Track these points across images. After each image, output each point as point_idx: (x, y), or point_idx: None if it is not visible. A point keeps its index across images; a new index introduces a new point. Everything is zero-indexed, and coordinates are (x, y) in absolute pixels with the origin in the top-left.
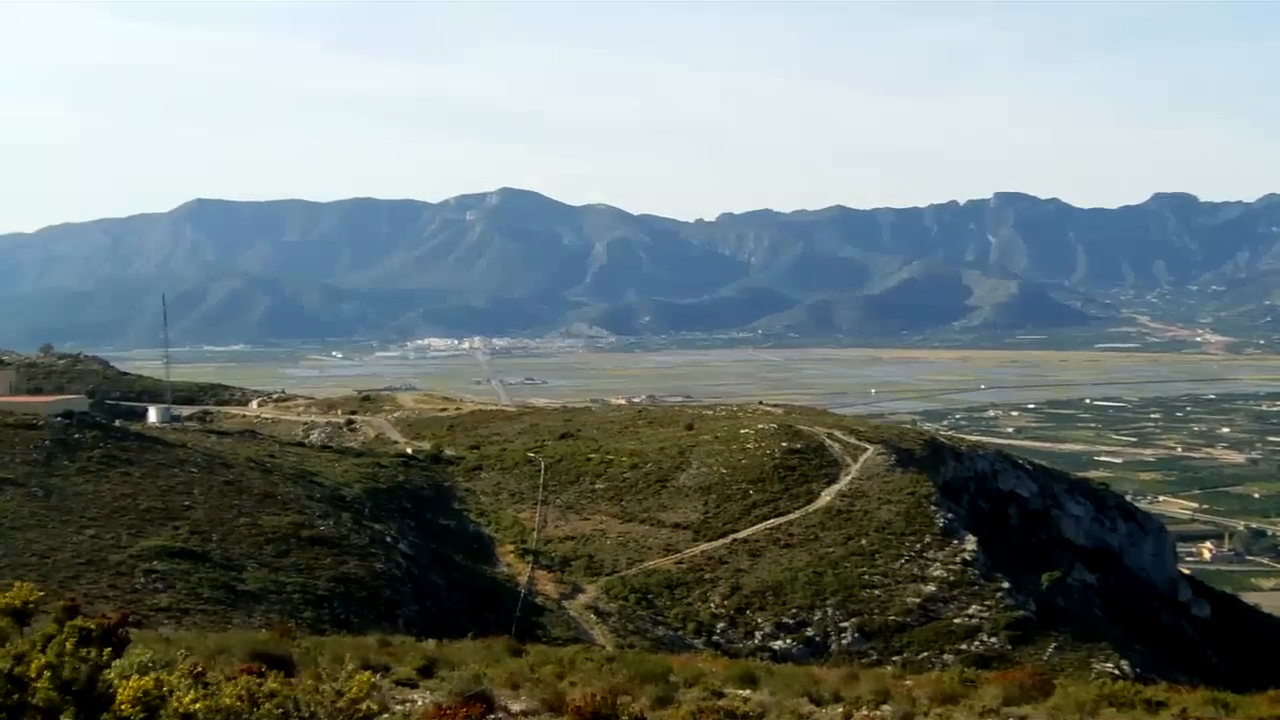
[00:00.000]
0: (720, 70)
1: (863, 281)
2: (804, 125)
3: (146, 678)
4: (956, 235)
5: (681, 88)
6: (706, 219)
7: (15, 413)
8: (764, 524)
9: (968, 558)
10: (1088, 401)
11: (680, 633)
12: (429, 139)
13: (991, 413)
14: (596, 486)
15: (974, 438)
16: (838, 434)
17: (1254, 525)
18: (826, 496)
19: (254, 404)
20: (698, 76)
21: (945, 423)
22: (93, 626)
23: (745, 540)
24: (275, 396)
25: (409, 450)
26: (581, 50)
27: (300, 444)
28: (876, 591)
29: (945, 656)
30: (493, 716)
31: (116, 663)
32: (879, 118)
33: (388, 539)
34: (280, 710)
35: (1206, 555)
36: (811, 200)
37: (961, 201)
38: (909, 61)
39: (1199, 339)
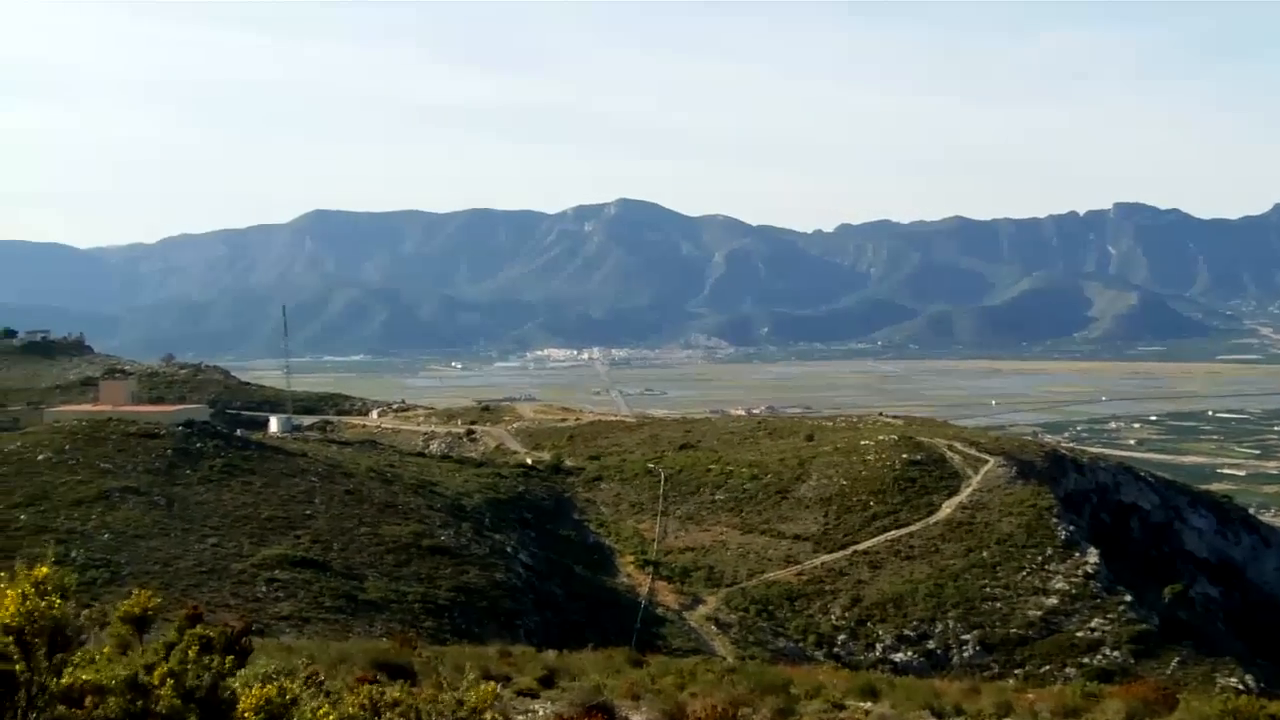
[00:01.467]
0: (834, 82)
1: (982, 292)
2: (921, 136)
3: (269, 686)
4: (1076, 246)
5: (796, 100)
6: (825, 230)
7: (138, 422)
8: (884, 536)
9: (1089, 570)
10: (1210, 414)
11: (801, 644)
12: (547, 150)
13: (1112, 425)
14: (716, 497)
15: (1095, 450)
16: (958, 445)
17: None
18: (947, 508)
19: (374, 414)
20: (812, 88)
21: (1066, 435)
22: (215, 635)
23: (866, 552)
24: (395, 407)
25: (529, 461)
26: (694, 62)
27: (420, 454)
28: (998, 604)
29: (1067, 670)
30: None
31: (240, 672)
32: (997, 127)
33: (508, 549)
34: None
35: None
36: (930, 211)
37: (1081, 212)
38: (1027, 71)
39: None
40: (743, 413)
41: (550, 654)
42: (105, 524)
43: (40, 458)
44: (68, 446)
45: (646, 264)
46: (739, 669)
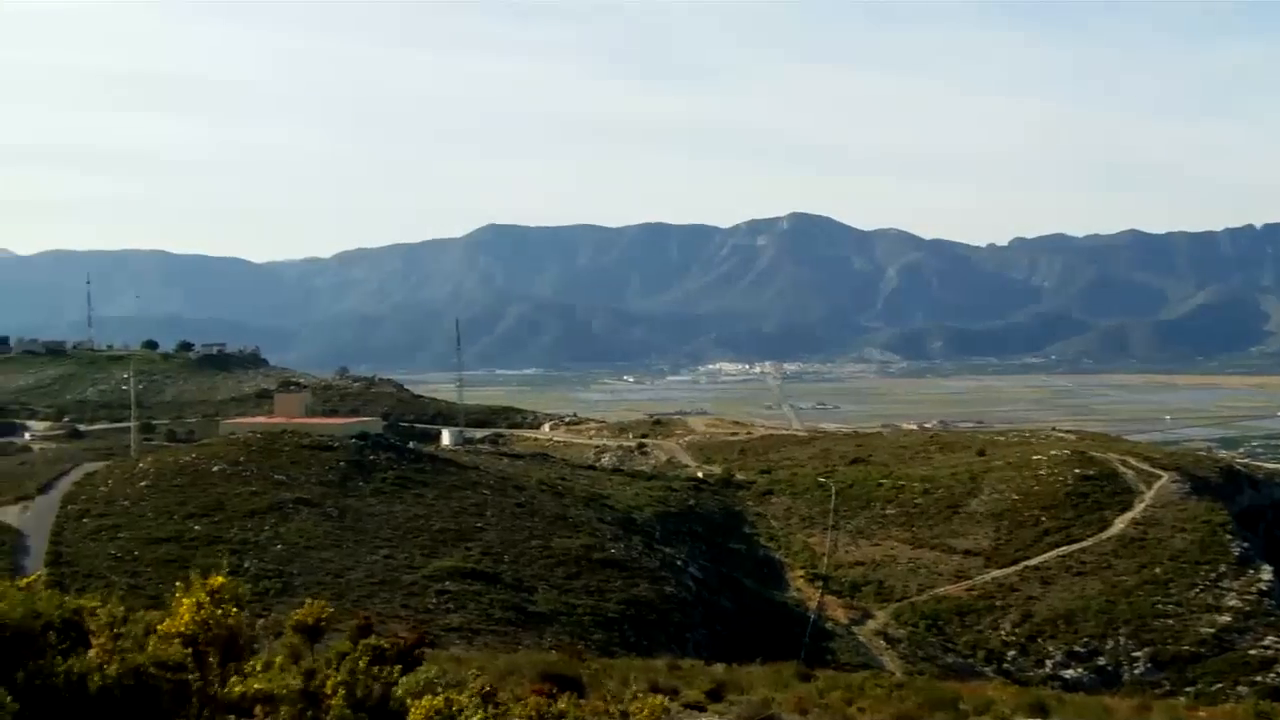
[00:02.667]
0: (1008, 94)
1: (1156, 306)
2: (1094, 149)
3: (438, 697)
4: (1252, 259)
5: (970, 113)
6: (998, 243)
7: (312, 434)
8: (1056, 551)
9: (1264, 588)
10: None
11: (970, 660)
12: (719, 164)
13: None
14: (887, 512)
15: (1271, 465)
16: (1131, 460)
17: None
18: (1119, 524)
19: (546, 427)
20: (985, 101)
21: (1241, 450)
22: (387, 645)
23: (1037, 567)
24: (567, 420)
25: (700, 474)
26: (867, 76)
27: (591, 467)
28: (1170, 621)
29: (1239, 688)
30: None
31: (403, 679)
32: (1172, 140)
33: (678, 562)
34: None
35: None
36: (1104, 224)
37: (1258, 225)
38: (1203, 83)
39: None
40: (914, 427)
41: (719, 667)
42: (278, 535)
43: (215, 469)
44: (242, 458)
45: (819, 278)
46: (908, 684)
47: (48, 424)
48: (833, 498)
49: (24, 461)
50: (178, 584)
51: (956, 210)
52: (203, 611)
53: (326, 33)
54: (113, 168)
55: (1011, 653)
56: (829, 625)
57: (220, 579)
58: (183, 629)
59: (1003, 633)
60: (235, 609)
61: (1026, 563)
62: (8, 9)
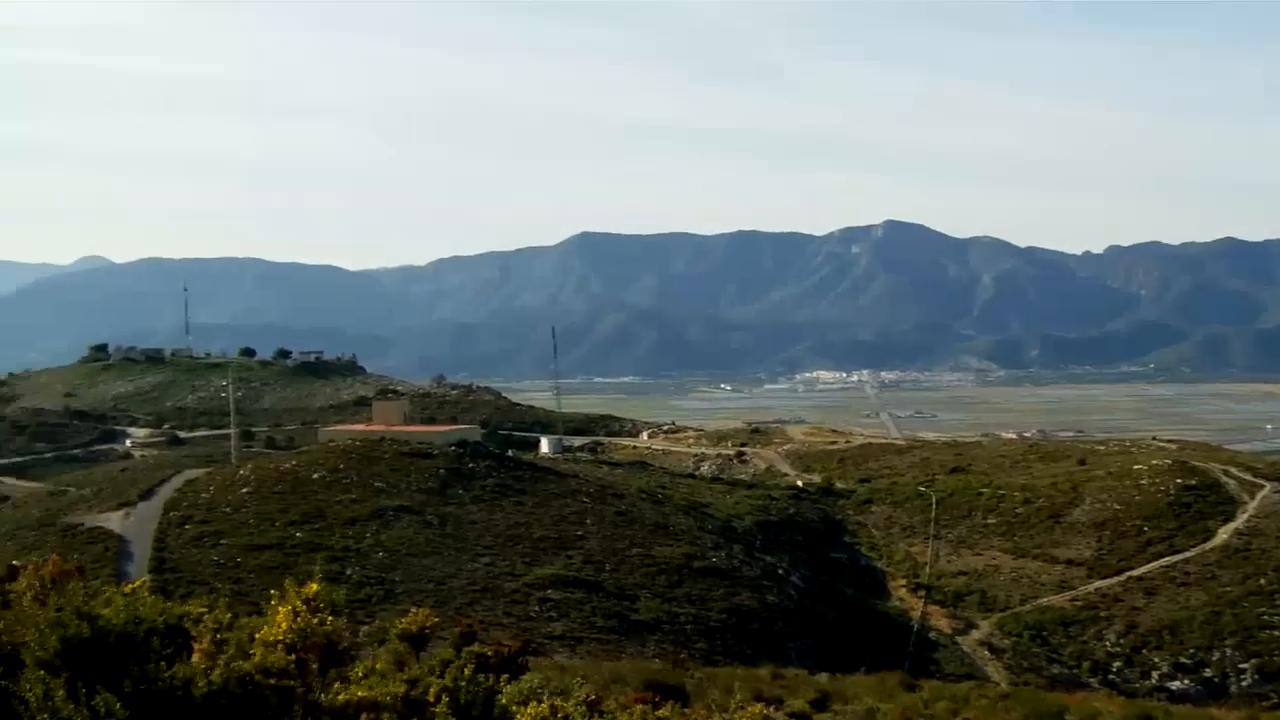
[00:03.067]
0: (1103, 102)
1: (1255, 314)
2: (1190, 156)
3: (543, 704)
4: None
5: (1064, 120)
6: (1094, 251)
7: (410, 442)
8: (1159, 561)
9: None
10: None
11: (1075, 671)
12: (812, 172)
13: None
14: (988, 521)
15: None
16: (1233, 470)
17: None
18: (1223, 534)
19: (644, 435)
20: (1079, 108)
21: None
22: (490, 653)
23: (1140, 578)
24: (665, 428)
25: (799, 483)
26: (961, 83)
27: (691, 475)
28: (1276, 632)
29: None
30: None
31: (508, 687)
32: (1269, 146)
33: (779, 571)
34: None
35: None
36: (1200, 232)
37: None
38: None
39: None
40: (1014, 436)
41: (822, 677)
42: (379, 542)
43: (315, 476)
44: (342, 466)
45: (914, 286)
46: (1013, 695)
47: (148, 431)
48: (933, 507)
49: (125, 468)
50: (273, 591)
51: (1051, 218)
52: (299, 619)
53: (420, 41)
54: (210, 175)
55: (1117, 664)
56: (933, 635)
57: (314, 586)
58: (281, 636)
59: (1107, 643)
60: (331, 616)
61: (1130, 573)
62: (105, 21)
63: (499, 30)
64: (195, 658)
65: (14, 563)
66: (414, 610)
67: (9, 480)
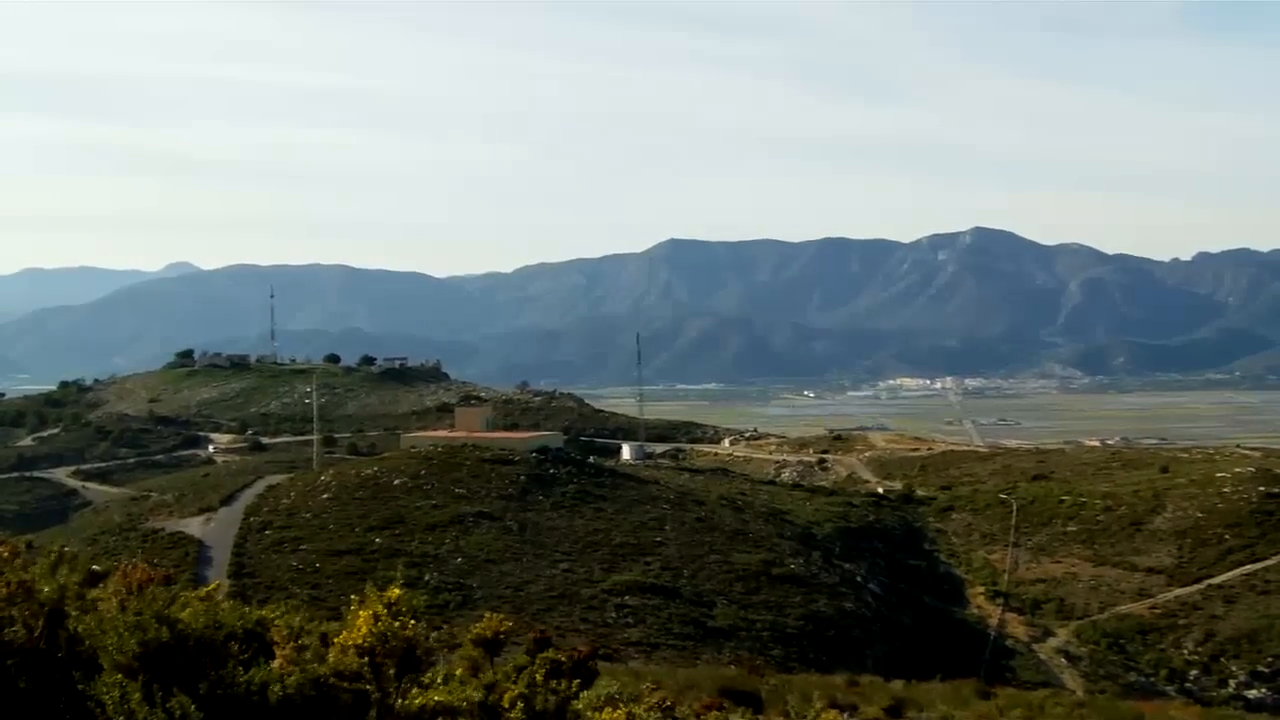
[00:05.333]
0: (1191, 106)
1: None
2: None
3: (617, 710)
4: None
5: (1152, 126)
6: (1181, 258)
7: (492, 448)
8: (1240, 569)
9: None
10: None
11: (1152, 679)
12: (899, 179)
13: None
14: (1069, 529)
15: None
16: None
17: None
18: None
19: (726, 442)
20: (1167, 113)
21: None
22: (564, 659)
23: (1220, 586)
24: (747, 435)
25: (880, 490)
26: (1048, 88)
27: (771, 482)
28: None
29: None
30: None
31: (584, 694)
32: None
33: (857, 578)
34: None
35: None
36: None
37: None
38: None
39: None
40: (1097, 444)
41: (898, 684)
42: (459, 548)
43: (396, 482)
44: (423, 471)
45: (1000, 293)
46: (1089, 703)
47: (231, 437)
48: (1014, 514)
49: (207, 474)
50: (354, 596)
51: (1139, 224)
52: (380, 624)
53: (507, 48)
54: (296, 183)
55: (1194, 672)
56: (1009, 643)
57: (396, 591)
58: (360, 641)
59: (1185, 652)
60: (412, 621)
61: (1210, 581)
62: (194, 29)
63: (588, 40)
64: (276, 663)
65: (95, 568)
66: (488, 615)
67: (92, 485)
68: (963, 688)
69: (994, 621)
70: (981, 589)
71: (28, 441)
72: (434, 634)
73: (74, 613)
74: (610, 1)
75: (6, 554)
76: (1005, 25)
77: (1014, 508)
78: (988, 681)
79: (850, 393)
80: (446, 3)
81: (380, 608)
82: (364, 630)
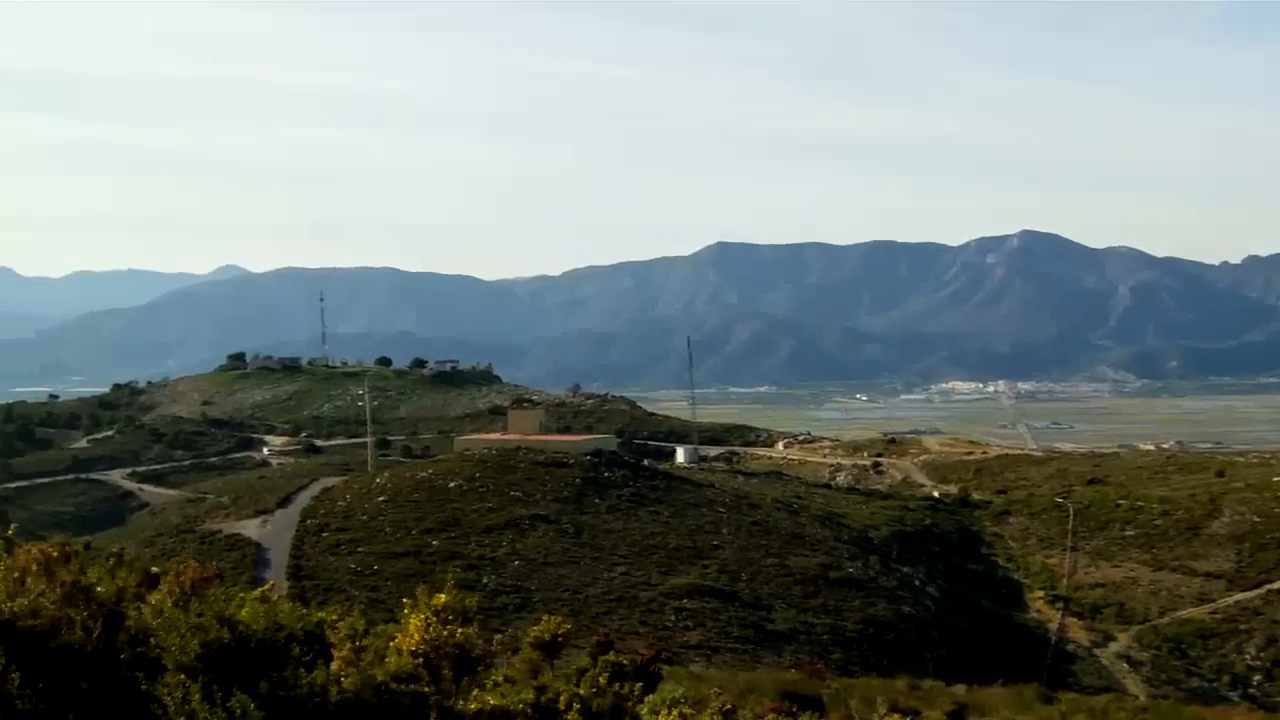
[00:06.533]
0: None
1: None
2: None
3: (673, 713)
4: None
5: (1198, 128)
6: (1231, 261)
7: (546, 451)
8: None
9: None
10: None
11: (1215, 684)
12: (947, 182)
13: None
14: (1126, 533)
15: None
16: None
17: None
18: None
19: (780, 445)
20: (1218, 116)
21: None
22: (625, 662)
23: None
24: (800, 438)
25: (936, 494)
26: (1098, 92)
27: (826, 486)
28: None
29: None
30: None
31: (648, 698)
32: None
33: (915, 582)
34: None
35: None
36: None
37: None
38: None
39: None
40: (1152, 447)
41: (959, 688)
42: (516, 551)
43: (451, 485)
44: (478, 474)
45: (1049, 296)
46: (1151, 708)
47: (284, 439)
48: (1070, 518)
49: (263, 476)
50: (405, 600)
51: (1189, 227)
52: (431, 629)
53: (555, 51)
54: (345, 186)
55: (1257, 677)
56: (1070, 647)
57: (443, 598)
58: (414, 645)
59: (1247, 657)
60: (463, 625)
61: (1270, 585)
62: (244, 31)
63: (638, 41)
64: (335, 665)
65: (152, 569)
66: (547, 618)
67: (148, 487)
68: (1025, 692)
69: (1054, 626)
70: (1041, 593)
71: (83, 444)
72: (496, 637)
73: (133, 614)
74: (657, 6)
75: (59, 554)
76: (1053, 27)
77: (1070, 512)
78: (1049, 686)
79: (903, 396)
80: (502, 8)
81: (429, 613)
82: (417, 636)
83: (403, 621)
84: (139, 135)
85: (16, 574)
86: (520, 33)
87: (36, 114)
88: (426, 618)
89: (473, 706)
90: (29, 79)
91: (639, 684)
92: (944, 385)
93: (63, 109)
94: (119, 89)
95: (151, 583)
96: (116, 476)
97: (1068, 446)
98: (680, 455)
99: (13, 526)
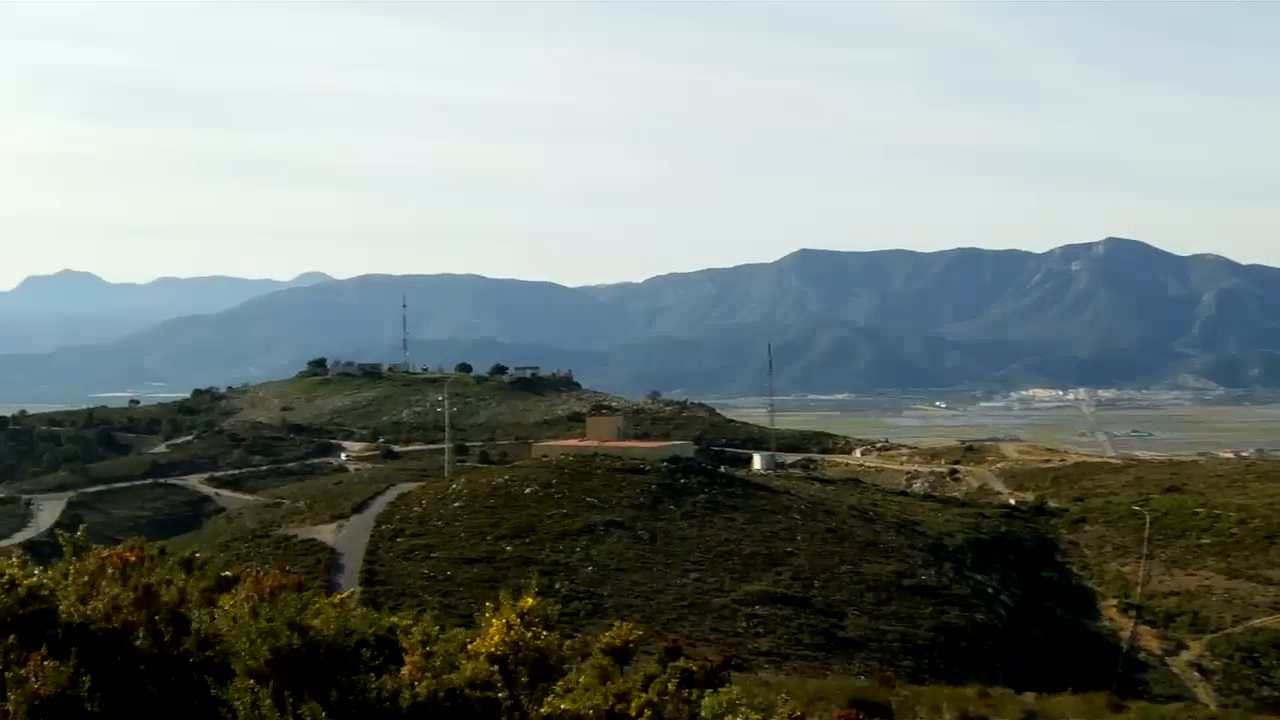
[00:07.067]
0: None
1: None
2: None
3: (739, 716)
4: None
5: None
6: None
7: (623, 458)
8: None
9: None
10: None
11: None
12: (1032, 189)
13: None
14: (1203, 541)
15: None
16: None
17: None
18: None
19: (857, 452)
20: None
21: None
22: (695, 668)
23: None
24: (878, 445)
25: (1012, 501)
26: (1187, 98)
27: (903, 493)
28: None
29: None
30: None
31: (705, 700)
32: None
33: (989, 590)
34: None
35: None
36: None
37: None
38: None
39: None
40: (1231, 455)
41: (1029, 696)
42: (589, 557)
43: (527, 491)
44: (554, 480)
45: (1133, 304)
46: (1221, 717)
47: (363, 445)
48: (1147, 526)
49: (339, 481)
50: (487, 604)
51: (1276, 235)
52: (512, 632)
53: (640, 58)
54: (428, 193)
55: None
56: (1142, 656)
57: (530, 600)
58: (492, 649)
59: None
60: (545, 630)
61: None
62: (329, 42)
63: (720, 47)
64: (406, 670)
65: (226, 573)
66: (618, 624)
67: (225, 492)
68: (1094, 700)
69: (1126, 634)
70: (1114, 601)
71: (162, 449)
72: (567, 642)
73: (200, 618)
74: (741, 13)
75: (134, 558)
76: (1139, 33)
77: (1147, 520)
78: (1120, 695)
79: (982, 403)
80: (582, 13)
81: (513, 616)
82: (496, 639)
83: (483, 625)
84: (225, 143)
85: (86, 577)
86: (610, 42)
87: (130, 121)
88: (509, 621)
89: (544, 711)
90: (123, 87)
91: (707, 690)
92: (1024, 393)
93: (152, 116)
94: (208, 97)
95: (224, 587)
96: (194, 481)
97: (1147, 454)
98: (757, 462)
99: (81, 528)
